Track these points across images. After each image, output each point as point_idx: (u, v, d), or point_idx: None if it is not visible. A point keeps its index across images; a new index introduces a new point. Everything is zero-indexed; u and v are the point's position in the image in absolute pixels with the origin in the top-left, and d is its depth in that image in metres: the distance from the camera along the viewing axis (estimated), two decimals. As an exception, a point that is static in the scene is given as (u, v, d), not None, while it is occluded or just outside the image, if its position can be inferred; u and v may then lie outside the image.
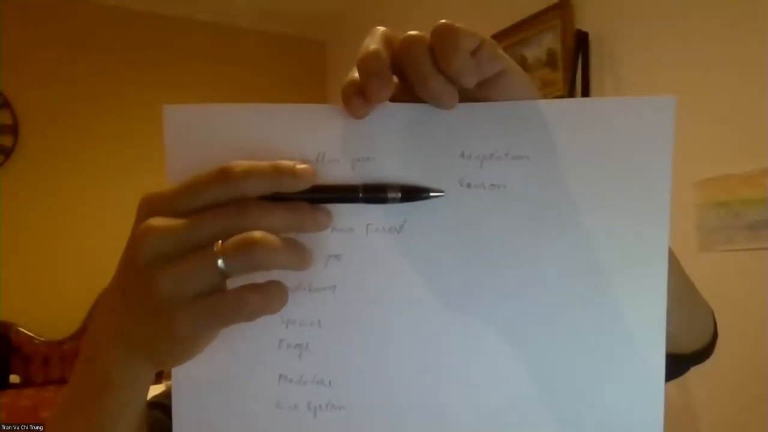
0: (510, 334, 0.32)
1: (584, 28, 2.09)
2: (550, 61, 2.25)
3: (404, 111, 0.32)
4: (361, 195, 0.31)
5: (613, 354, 0.32)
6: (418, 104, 0.31)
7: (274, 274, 0.29)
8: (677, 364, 0.47)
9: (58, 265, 3.24)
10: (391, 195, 0.31)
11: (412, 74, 0.30)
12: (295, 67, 3.96)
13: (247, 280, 0.29)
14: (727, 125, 1.69)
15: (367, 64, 0.30)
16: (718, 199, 1.69)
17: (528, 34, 2.32)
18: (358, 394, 0.32)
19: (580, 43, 2.08)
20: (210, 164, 0.31)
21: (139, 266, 0.29)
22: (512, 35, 2.39)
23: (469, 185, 0.31)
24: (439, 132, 0.32)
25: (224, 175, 0.29)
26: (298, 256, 0.30)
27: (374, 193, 0.31)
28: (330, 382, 0.33)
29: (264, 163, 0.29)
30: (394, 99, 0.31)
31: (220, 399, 0.33)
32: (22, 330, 3.03)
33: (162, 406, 0.49)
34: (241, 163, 0.29)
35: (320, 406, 0.33)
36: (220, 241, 0.28)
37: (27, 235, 3.18)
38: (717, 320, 0.51)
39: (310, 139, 0.32)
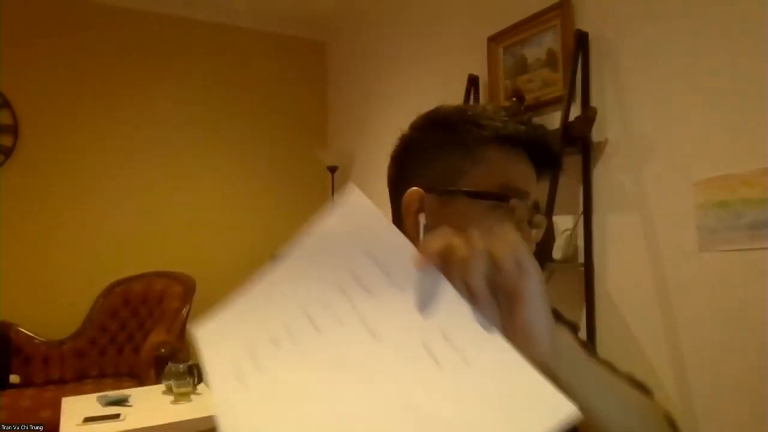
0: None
1: (584, 28, 2.10)
2: (550, 61, 2.25)
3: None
4: None
5: None
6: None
7: None
8: None
9: (58, 265, 3.25)
10: None
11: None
12: (295, 67, 3.96)
13: None
14: (727, 125, 1.69)
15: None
16: (718, 199, 1.69)
17: (528, 34, 2.32)
18: None
19: (580, 43, 2.08)
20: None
21: None
22: (512, 35, 2.39)
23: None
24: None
25: None
26: None
27: None
28: None
29: None
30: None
31: None
32: (22, 330, 3.04)
33: None
34: None
35: None
36: None
37: (27, 235, 3.18)
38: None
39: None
